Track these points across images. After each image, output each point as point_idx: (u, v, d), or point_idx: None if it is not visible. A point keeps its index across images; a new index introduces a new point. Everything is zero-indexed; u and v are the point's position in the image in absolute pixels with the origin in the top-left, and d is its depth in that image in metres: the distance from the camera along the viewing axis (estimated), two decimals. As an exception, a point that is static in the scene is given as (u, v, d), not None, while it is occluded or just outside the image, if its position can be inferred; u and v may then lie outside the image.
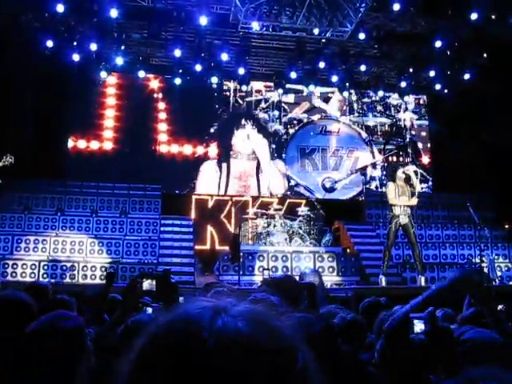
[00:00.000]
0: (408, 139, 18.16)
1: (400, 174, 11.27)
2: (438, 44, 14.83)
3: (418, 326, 2.62)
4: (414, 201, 11.20)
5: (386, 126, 18.30)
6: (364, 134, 17.93)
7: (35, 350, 1.89)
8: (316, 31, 14.41)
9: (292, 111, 17.70)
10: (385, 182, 16.64)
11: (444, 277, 12.35)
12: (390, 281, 11.39)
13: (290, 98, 17.69)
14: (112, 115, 16.31)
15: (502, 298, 5.80)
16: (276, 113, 17.55)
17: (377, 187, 17.42)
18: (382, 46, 15.21)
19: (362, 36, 14.66)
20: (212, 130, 16.76)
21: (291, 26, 14.24)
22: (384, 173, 17.38)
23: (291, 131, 17.57)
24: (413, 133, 18.31)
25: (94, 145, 16.04)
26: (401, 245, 12.95)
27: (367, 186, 17.26)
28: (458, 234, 14.53)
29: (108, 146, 16.16)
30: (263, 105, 17.40)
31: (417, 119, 18.48)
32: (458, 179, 15.46)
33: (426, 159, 18.14)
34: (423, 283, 11.09)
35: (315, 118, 17.75)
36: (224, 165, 16.53)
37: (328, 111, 17.84)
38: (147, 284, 3.16)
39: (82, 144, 15.94)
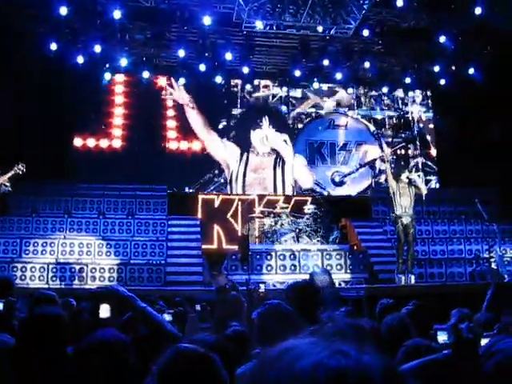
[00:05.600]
0: (416, 132, 18.21)
1: (404, 178, 11.29)
2: (442, 39, 14.76)
3: (441, 337, 2.57)
4: (424, 191, 11.39)
5: (394, 119, 18.34)
6: (372, 128, 17.96)
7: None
8: (320, 29, 14.41)
9: (299, 106, 17.75)
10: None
11: (452, 272, 12.31)
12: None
13: (298, 92, 17.74)
14: (120, 113, 16.41)
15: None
16: (284, 108, 17.62)
17: (386, 180, 17.39)
18: (386, 42, 15.16)
19: (365, 33, 14.62)
20: (221, 126, 16.90)
21: (295, 24, 14.24)
22: (393, 165, 17.41)
23: (299, 126, 17.64)
24: (421, 125, 18.36)
25: (103, 143, 16.14)
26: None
27: (376, 179, 17.34)
28: (466, 229, 14.48)
29: (117, 144, 16.25)
30: (271, 100, 17.44)
31: (424, 112, 18.52)
32: (465, 174, 15.37)
33: (434, 151, 18.14)
34: (413, 281, 10.98)
35: (323, 112, 17.80)
36: (244, 157, 16.71)
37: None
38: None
39: (90, 143, 16.04)
